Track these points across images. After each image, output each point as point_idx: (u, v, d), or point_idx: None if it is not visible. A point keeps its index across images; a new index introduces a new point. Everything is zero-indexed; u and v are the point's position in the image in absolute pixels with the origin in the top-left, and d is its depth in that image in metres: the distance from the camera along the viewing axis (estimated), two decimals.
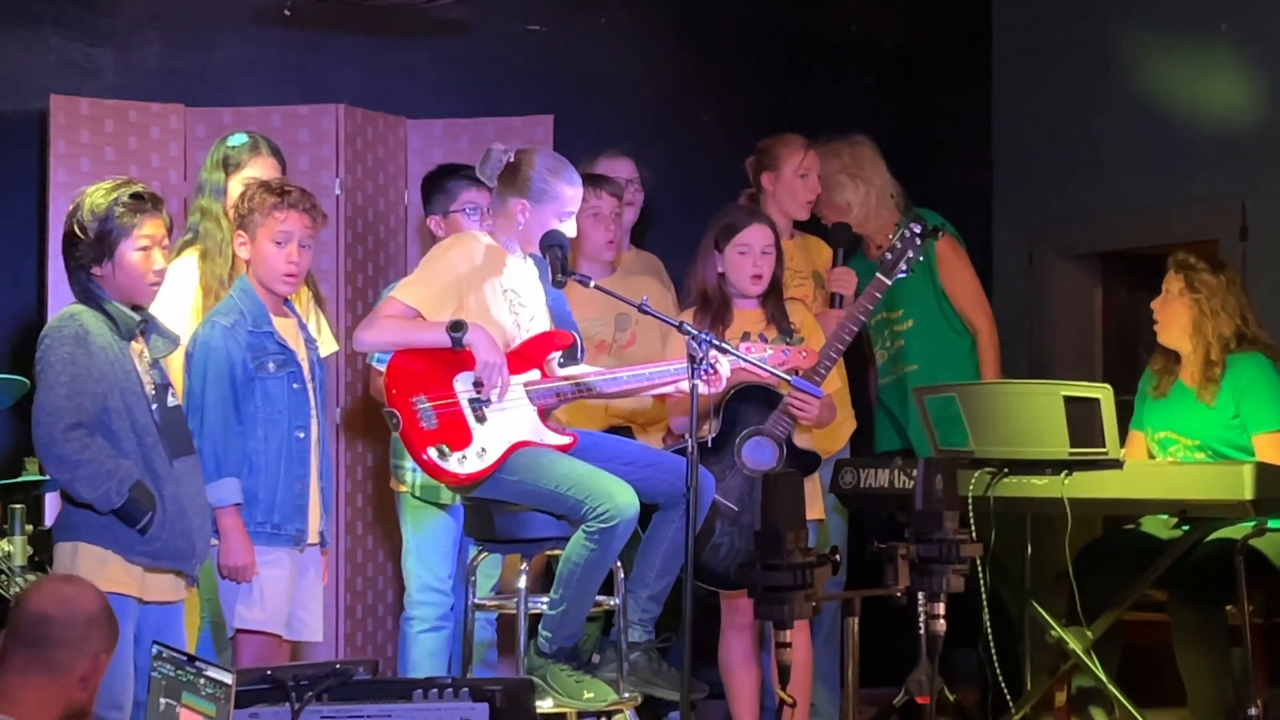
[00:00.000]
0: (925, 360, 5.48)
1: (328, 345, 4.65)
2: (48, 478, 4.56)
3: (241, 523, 4.19)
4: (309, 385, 4.34)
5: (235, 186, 4.61)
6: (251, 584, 4.23)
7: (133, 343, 3.94)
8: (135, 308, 3.96)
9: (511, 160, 4.24)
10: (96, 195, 3.92)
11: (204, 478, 4.08)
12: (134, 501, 3.79)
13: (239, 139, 4.70)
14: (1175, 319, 4.93)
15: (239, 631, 4.29)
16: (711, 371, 4.06)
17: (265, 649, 4.27)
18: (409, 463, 4.89)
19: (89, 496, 3.78)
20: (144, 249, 3.94)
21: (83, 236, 3.89)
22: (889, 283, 4.81)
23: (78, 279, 3.93)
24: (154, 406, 3.90)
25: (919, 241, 4.80)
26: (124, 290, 3.94)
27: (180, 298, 4.53)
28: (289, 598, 4.31)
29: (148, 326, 3.98)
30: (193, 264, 4.60)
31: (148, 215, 3.95)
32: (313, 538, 4.36)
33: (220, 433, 4.18)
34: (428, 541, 5.00)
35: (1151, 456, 4.99)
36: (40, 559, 4.38)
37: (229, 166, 4.66)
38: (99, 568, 3.78)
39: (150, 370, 3.95)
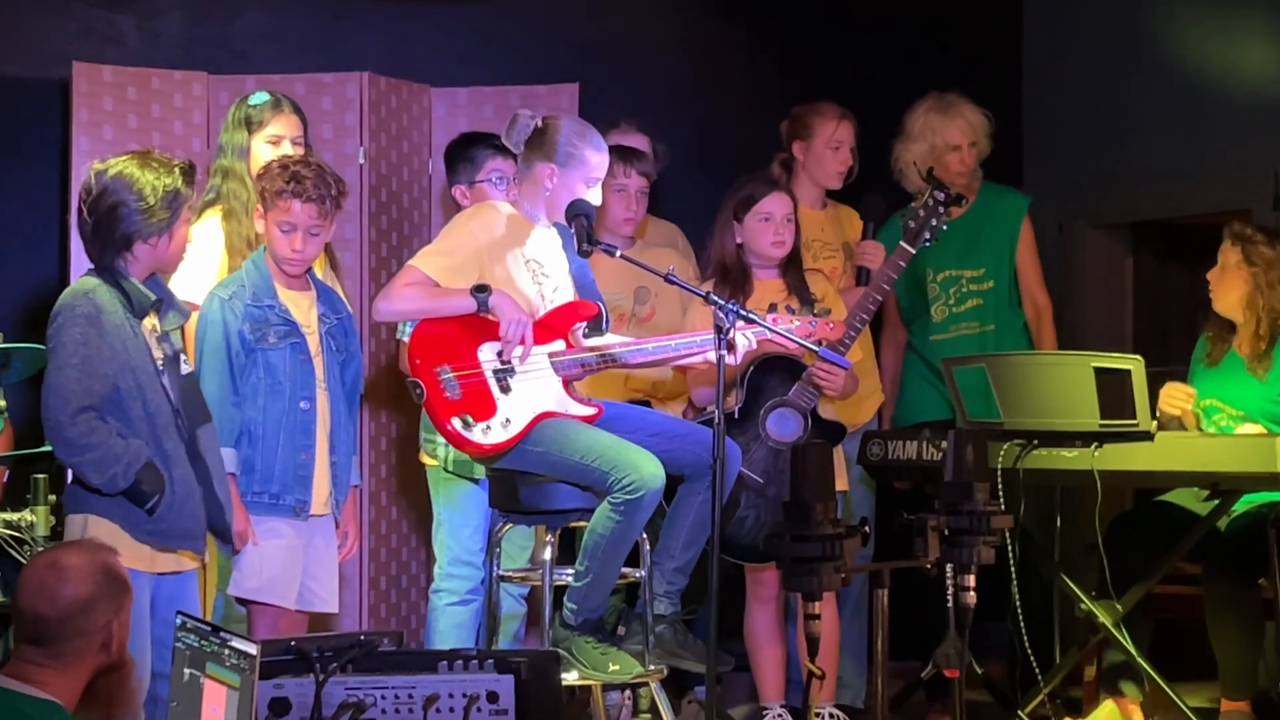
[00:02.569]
0: (1000, 323, 5.43)
1: None
2: None
3: (237, 491, 4.18)
4: (316, 358, 4.31)
5: (258, 145, 4.60)
6: (251, 553, 4.22)
7: (143, 319, 3.91)
8: (148, 281, 3.92)
9: (539, 125, 4.20)
10: (151, 173, 3.86)
11: None
12: (140, 484, 3.78)
13: (260, 97, 4.68)
14: (1230, 291, 4.90)
15: (251, 603, 4.28)
16: (730, 345, 4.01)
17: (280, 620, 4.26)
18: (442, 437, 4.85)
19: (96, 481, 3.78)
20: (188, 221, 3.97)
21: (148, 214, 3.85)
22: (913, 251, 4.82)
23: (108, 253, 3.88)
24: (165, 381, 3.88)
25: (943, 210, 4.77)
26: (161, 262, 3.93)
27: (206, 260, 4.50)
28: (294, 568, 4.29)
29: (163, 304, 3.96)
30: (216, 225, 4.57)
31: (194, 188, 3.97)
32: (320, 509, 4.34)
33: (216, 404, 4.16)
34: (459, 514, 4.96)
35: (1197, 424, 4.95)
36: (62, 529, 4.36)
37: (251, 125, 4.64)
38: (109, 542, 3.74)
39: (161, 343, 3.92)
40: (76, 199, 3.94)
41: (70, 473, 3.91)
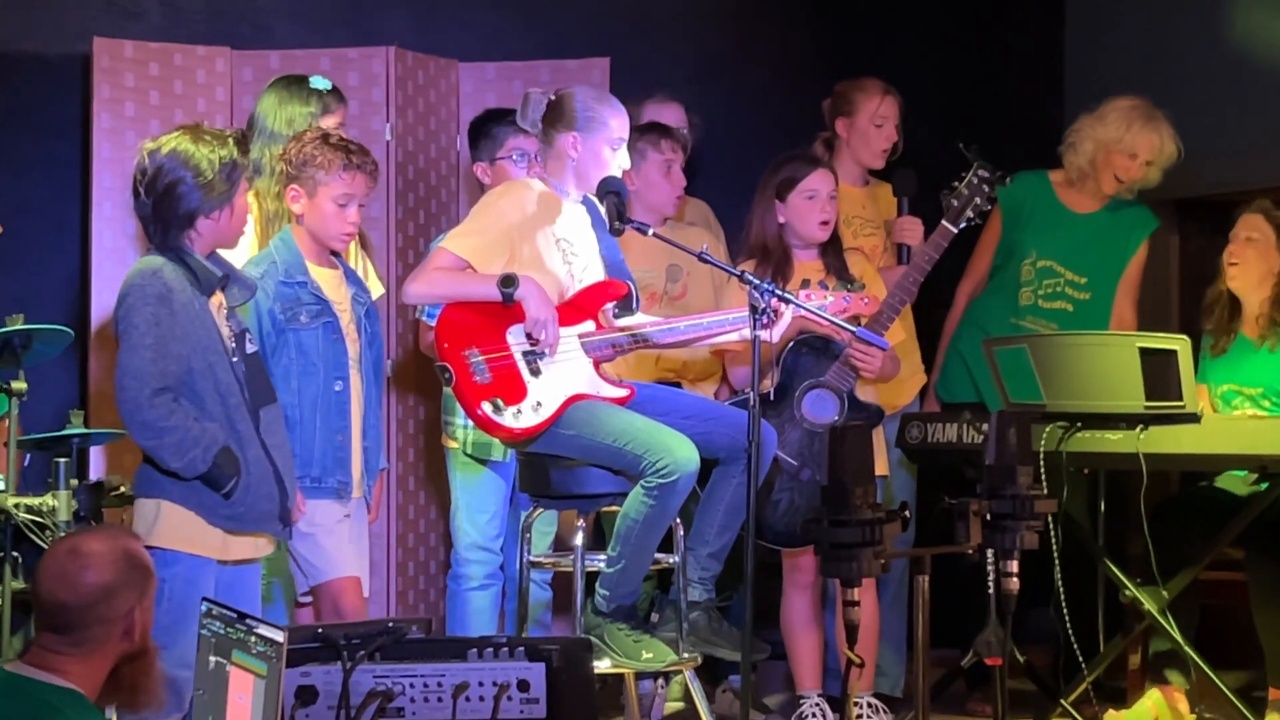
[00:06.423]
0: None
1: (375, 289, 4.59)
2: (93, 431, 4.53)
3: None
4: (348, 338, 4.25)
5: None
6: (316, 545, 4.20)
7: (210, 296, 3.84)
8: (210, 257, 3.86)
9: (553, 99, 4.16)
10: (205, 146, 3.80)
11: None
12: (219, 467, 3.73)
13: (323, 83, 4.63)
14: (1255, 267, 4.86)
15: (329, 584, 4.27)
16: (771, 319, 3.92)
17: (360, 589, 4.27)
18: (460, 419, 4.81)
19: (175, 465, 3.72)
20: (244, 192, 3.92)
21: (208, 189, 3.78)
22: (955, 230, 4.75)
23: (171, 233, 3.80)
24: (235, 359, 3.82)
25: (987, 189, 4.68)
26: (224, 236, 3.88)
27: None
28: (354, 543, 4.29)
29: (229, 280, 3.89)
30: (252, 202, 4.51)
31: (248, 157, 3.93)
32: (355, 491, 4.31)
33: None
34: (477, 499, 4.93)
35: (1215, 412, 4.88)
36: (85, 513, 4.31)
37: (324, 110, 4.58)
38: (181, 528, 3.74)
39: (228, 320, 3.86)
40: (130, 182, 3.85)
41: (142, 456, 3.83)
